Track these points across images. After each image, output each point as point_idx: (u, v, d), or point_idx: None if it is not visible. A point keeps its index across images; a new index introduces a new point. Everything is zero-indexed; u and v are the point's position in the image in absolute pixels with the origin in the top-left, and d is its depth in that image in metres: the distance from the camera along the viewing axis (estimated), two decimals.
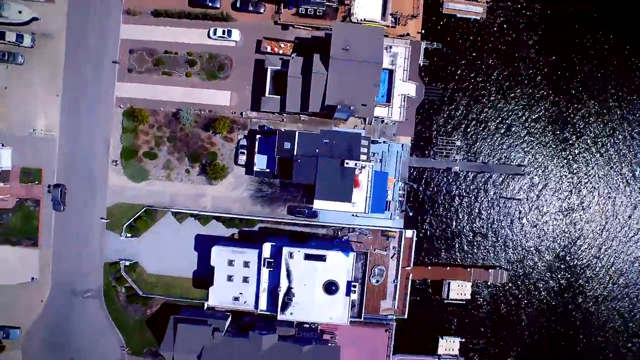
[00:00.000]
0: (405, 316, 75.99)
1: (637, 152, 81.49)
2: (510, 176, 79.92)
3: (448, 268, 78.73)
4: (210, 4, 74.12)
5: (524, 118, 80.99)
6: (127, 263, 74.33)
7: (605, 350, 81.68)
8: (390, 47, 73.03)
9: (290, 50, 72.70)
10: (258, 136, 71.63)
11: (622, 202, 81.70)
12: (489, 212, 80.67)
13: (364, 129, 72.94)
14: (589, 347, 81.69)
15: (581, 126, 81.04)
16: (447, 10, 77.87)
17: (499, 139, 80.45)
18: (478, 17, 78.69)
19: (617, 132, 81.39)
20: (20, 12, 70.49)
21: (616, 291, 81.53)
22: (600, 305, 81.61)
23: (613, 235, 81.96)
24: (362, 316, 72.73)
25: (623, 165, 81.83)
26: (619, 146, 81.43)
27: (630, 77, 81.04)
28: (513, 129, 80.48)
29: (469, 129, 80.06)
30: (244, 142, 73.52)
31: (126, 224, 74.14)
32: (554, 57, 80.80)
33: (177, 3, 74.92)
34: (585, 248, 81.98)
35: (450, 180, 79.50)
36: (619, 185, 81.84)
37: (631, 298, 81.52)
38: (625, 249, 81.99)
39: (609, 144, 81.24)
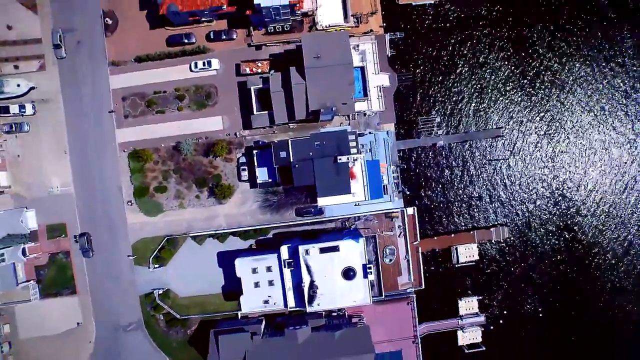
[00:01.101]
0: (423, 286, 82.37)
1: (598, 91, 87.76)
2: (491, 139, 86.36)
3: (453, 235, 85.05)
4: (186, 41, 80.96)
5: (492, 82, 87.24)
6: (160, 291, 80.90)
7: (614, 270, 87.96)
8: (358, 45, 79.64)
9: (268, 68, 79.23)
10: (255, 151, 78.18)
11: (596, 139, 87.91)
12: (479, 176, 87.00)
13: (349, 124, 79.62)
14: (596, 271, 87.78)
15: (545, 78, 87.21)
16: (402, 1, 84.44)
17: (474, 107, 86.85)
18: (432, 1, 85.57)
19: (578, 77, 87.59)
20: (18, 85, 77.59)
21: (610, 221, 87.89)
22: (598, 235, 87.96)
23: (597, 170, 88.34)
24: (383, 294, 79.45)
25: (590, 106, 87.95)
26: (582, 90, 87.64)
27: (581, 26, 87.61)
28: (485, 95, 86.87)
29: (445, 104, 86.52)
30: (243, 159, 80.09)
31: (152, 256, 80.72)
32: (509, 20, 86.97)
33: (156, 46, 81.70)
34: (575, 187, 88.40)
35: (438, 154, 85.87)
36: (590, 124, 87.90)
37: (624, 224, 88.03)
38: (609, 181, 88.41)
39: (573, 90, 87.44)
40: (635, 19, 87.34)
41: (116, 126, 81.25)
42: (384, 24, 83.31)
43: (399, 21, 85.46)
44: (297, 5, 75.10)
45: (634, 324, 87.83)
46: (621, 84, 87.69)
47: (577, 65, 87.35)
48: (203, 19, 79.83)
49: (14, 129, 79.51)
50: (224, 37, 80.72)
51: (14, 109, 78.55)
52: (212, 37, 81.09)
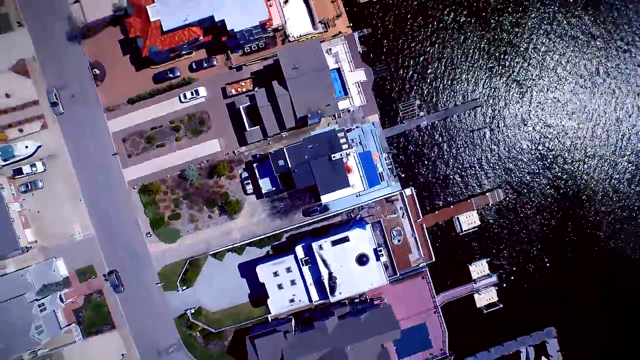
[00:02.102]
0: (434, 259, 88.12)
1: (557, 47, 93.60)
2: (470, 111, 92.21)
3: (452, 206, 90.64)
4: (171, 75, 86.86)
5: (461, 57, 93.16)
6: (192, 311, 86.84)
7: (606, 206, 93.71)
8: (330, 49, 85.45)
9: (252, 86, 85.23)
10: (255, 165, 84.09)
11: (565, 90, 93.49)
12: (465, 147, 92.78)
13: (336, 123, 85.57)
14: (591, 211, 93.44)
15: (509, 43, 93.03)
16: (363, 0, 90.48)
17: (449, 83, 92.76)
18: None
19: (538, 35, 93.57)
20: (26, 146, 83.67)
21: (593, 163, 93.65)
22: (586, 178, 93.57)
23: (572, 121, 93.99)
24: (398, 273, 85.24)
25: (555, 62, 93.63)
26: (544, 46, 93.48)
27: None
28: (456, 70, 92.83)
29: (421, 86, 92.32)
30: (245, 174, 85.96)
31: (178, 280, 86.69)
32: (461, 3, 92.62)
33: (144, 85, 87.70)
34: (554, 139, 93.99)
35: (424, 134, 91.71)
36: (557, 80, 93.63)
37: (607, 163, 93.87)
38: (585, 127, 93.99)
39: (536, 49, 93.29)
40: None
41: (122, 166, 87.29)
42: (351, 24, 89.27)
43: (363, 18, 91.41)
44: (267, 23, 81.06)
45: (631, 255, 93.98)
46: (580, 34, 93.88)
47: (536, 22, 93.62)
48: (183, 53, 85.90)
49: (29, 187, 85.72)
50: (206, 65, 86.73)
51: (26, 169, 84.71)
52: (194, 67, 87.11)
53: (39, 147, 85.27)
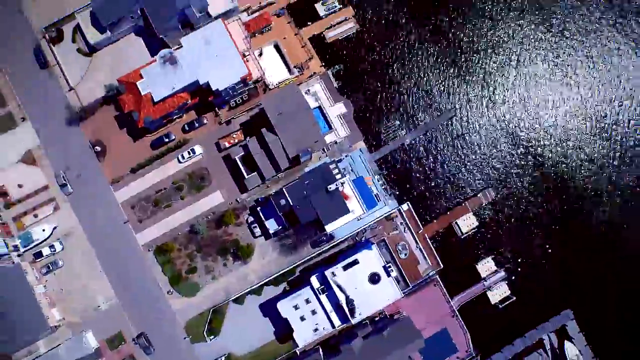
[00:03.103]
0: (442, 266, 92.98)
1: (524, 42, 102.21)
2: (447, 121, 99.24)
3: (448, 213, 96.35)
4: (167, 140, 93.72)
5: (429, 72, 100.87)
6: (223, 358, 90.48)
7: (592, 184, 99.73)
8: (309, 89, 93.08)
9: (243, 136, 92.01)
10: (258, 208, 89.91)
11: (532, 89, 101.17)
12: (450, 155, 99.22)
13: (326, 156, 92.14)
14: (578, 191, 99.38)
15: (468, 52, 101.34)
16: (330, 40, 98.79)
17: (423, 100, 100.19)
18: (354, 30, 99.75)
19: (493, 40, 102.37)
20: (43, 230, 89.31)
21: (570, 148, 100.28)
22: (566, 162, 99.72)
23: (544, 111, 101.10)
24: (410, 285, 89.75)
25: (514, 63, 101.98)
26: (505, 47, 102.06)
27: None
28: (426, 86, 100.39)
29: (398, 107, 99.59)
30: (251, 219, 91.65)
31: (205, 331, 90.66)
32: (422, 18, 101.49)
33: (143, 153, 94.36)
34: (529, 130, 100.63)
35: (409, 151, 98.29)
36: (522, 79, 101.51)
37: (582, 145, 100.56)
38: (556, 116, 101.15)
39: (495, 51, 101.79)
40: None
41: (135, 232, 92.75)
42: (323, 64, 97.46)
43: (333, 56, 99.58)
44: (247, 77, 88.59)
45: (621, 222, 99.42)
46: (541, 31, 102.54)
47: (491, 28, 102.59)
48: (175, 117, 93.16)
49: (50, 268, 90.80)
50: (197, 124, 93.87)
51: (45, 251, 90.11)
52: (187, 128, 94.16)
53: (54, 228, 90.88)
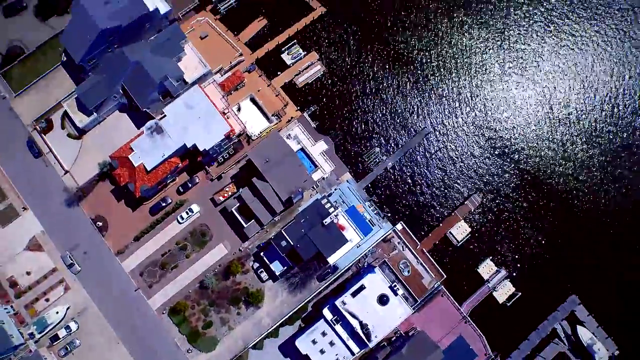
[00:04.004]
0: (445, 276, 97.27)
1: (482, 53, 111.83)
2: (423, 140, 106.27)
3: (441, 224, 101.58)
4: (164, 204, 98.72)
5: (397, 96, 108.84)
6: None
7: (570, 175, 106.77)
8: (289, 134, 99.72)
9: (236, 188, 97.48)
10: (262, 253, 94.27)
11: (498, 96, 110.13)
12: (432, 169, 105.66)
13: (317, 193, 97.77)
14: (560, 181, 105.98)
15: (429, 71, 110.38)
16: (301, 85, 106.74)
17: (396, 123, 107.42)
18: (321, 72, 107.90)
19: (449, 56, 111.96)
20: (57, 312, 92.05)
21: (541, 144, 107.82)
22: (541, 157, 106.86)
23: (510, 113, 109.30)
24: (418, 300, 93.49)
25: (474, 74, 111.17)
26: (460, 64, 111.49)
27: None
28: (397, 110, 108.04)
29: (376, 134, 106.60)
30: (256, 264, 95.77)
31: None
32: (380, 47, 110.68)
33: (143, 221, 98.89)
34: (500, 132, 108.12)
35: (393, 173, 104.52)
36: (485, 86, 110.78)
37: (553, 139, 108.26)
38: (521, 117, 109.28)
39: (453, 66, 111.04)
40: None
41: (146, 298, 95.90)
42: (298, 107, 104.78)
43: (307, 98, 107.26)
44: (230, 133, 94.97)
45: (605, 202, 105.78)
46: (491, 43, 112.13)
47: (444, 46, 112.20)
48: (169, 181, 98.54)
49: (68, 349, 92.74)
50: (190, 185, 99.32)
51: (62, 333, 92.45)
52: (181, 190, 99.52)
53: (67, 308, 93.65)
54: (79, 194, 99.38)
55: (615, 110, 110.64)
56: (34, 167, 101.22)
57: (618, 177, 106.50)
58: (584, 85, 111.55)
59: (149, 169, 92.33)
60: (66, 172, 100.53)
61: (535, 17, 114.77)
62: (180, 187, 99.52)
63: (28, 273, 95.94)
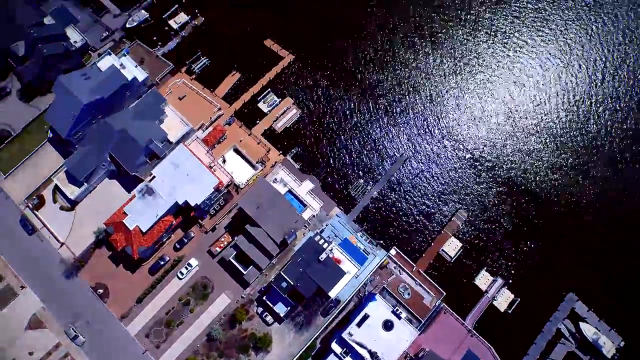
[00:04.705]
0: (444, 293, 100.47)
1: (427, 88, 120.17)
2: (403, 166, 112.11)
3: (433, 243, 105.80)
4: (162, 263, 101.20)
5: (370, 128, 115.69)
6: None
7: (543, 178, 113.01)
8: (275, 178, 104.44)
9: (231, 237, 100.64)
10: (264, 297, 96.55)
11: (462, 117, 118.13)
12: (416, 192, 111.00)
13: (309, 231, 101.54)
14: (538, 186, 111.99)
15: (395, 98, 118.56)
16: (280, 129, 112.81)
17: (375, 153, 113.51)
18: (297, 115, 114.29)
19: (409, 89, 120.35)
20: None
21: (512, 153, 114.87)
22: (509, 164, 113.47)
23: (480, 130, 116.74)
24: (422, 320, 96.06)
25: (436, 97, 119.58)
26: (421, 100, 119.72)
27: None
28: (373, 140, 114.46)
29: (356, 167, 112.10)
30: (260, 309, 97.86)
31: None
32: (348, 83, 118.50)
33: (143, 282, 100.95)
34: (473, 147, 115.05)
35: (380, 202, 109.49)
36: (449, 106, 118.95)
37: (521, 147, 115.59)
38: (492, 133, 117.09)
39: (418, 90, 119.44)
40: None
41: (155, 358, 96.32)
42: (280, 152, 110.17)
43: (288, 142, 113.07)
44: (219, 185, 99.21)
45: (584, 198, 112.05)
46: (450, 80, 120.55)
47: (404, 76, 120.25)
48: (165, 240, 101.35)
49: None
50: (186, 240, 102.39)
51: None
52: (178, 246, 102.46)
53: None
54: (77, 264, 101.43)
55: (577, 115, 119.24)
56: (29, 245, 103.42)
57: (591, 175, 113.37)
58: (546, 98, 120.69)
59: (144, 230, 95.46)
60: (62, 244, 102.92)
61: (491, 43, 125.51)
62: (176, 244, 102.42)
63: (31, 353, 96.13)
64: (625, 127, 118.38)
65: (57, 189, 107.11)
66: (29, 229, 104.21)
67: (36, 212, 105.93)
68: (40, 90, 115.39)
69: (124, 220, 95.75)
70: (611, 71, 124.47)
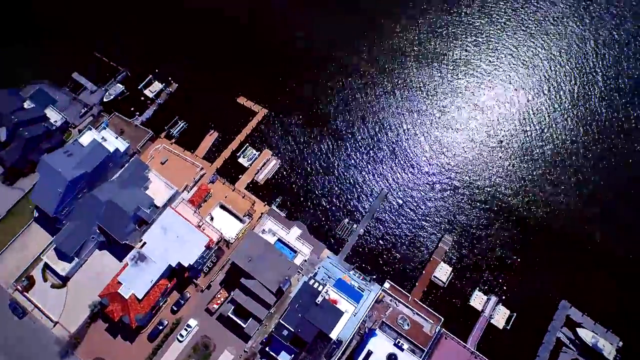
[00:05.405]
0: (443, 319, 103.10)
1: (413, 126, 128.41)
2: (384, 201, 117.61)
3: (424, 271, 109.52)
4: (161, 327, 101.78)
5: (348, 167, 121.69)
6: None
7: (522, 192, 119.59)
8: (263, 229, 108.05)
9: (227, 292, 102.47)
10: (267, 348, 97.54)
11: (429, 149, 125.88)
12: (401, 224, 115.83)
13: (303, 276, 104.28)
14: (517, 202, 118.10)
15: (368, 137, 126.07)
16: (262, 181, 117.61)
17: (355, 192, 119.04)
18: (277, 165, 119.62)
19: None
20: None
21: (485, 173, 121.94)
22: (486, 183, 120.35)
23: (455, 158, 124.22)
24: (425, 349, 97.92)
25: (403, 131, 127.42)
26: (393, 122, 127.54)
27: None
28: (352, 180, 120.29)
29: (339, 207, 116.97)
30: None
31: None
32: (321, 128, 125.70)
33: (144, 350, 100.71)
34: (447, 173, 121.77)
35: (367, 238, 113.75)
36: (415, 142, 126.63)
37: (489, 168, 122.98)
38: (466, 158, 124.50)
39: (386, 126, 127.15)
40: None
41: None
42: (265, 202, 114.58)
43: (271, 192, 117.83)
44: (210, 243, 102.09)
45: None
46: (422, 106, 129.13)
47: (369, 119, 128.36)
48: (161, 304, 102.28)
49: None
50: (183, 302, 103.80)
51: None
52: (175, 308, 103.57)
53: None
54: (73, 341, 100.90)
55: (541, 133, 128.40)
56: (21, 329, 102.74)
57: (560, 186, 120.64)
58: (510, 118, 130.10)
59: (140, 297, 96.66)
60: (55, 323, 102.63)
61: (453, 75, 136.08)
62: (173, 306, 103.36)
63: None
64: (589, 140, 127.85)
65: (47, 267, 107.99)
66: (19, 312, 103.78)
67: (26, 293, 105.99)
68: (23, 172, 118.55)
69: (119, 290, 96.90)
70: (578, 91, 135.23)
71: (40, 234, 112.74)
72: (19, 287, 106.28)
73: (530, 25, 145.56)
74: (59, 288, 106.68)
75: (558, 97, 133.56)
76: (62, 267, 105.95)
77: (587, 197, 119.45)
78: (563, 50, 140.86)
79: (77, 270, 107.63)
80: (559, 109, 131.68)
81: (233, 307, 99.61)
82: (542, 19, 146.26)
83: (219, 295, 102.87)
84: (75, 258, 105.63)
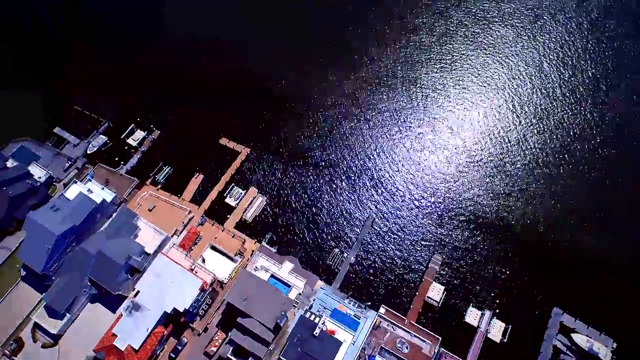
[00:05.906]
0: (440, 339, 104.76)
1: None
2: (371, 227, 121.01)
3: (417, 292, 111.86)
4: None
5: (332, 197, 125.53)
6: None
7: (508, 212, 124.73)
8: (256, 267, 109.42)
9: (224, 334, 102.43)
10: None
11: (412, 175, 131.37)
12: (390, 249, 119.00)
13: (298, 309, 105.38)
14: (505, 217, 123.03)
15: (348, 165, 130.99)
16: (250, 219, 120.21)
17: (342, 221, 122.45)
18: (264, 202, 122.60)
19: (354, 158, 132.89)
20: None
21: (467, 191, 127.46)
22: (467, 203, 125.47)
23: (437, 179, 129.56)
24: None
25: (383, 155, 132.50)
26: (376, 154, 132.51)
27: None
28: (338, 209, 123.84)
29: (331, 237, 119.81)
30: None
31: None
32: (302, 162, 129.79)
33: None
34: (431, 195, 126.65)
35: (359, 265, 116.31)
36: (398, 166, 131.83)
37: (469, 186, 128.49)
38: (445, 179, 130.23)
39: (371, 156, 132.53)
40: None
41: None
42: (255, 240, 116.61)
43: (261, 229, 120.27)
44: (203, 286, 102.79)
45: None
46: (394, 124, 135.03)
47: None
48: (158, 352, 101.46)
49: None
50: (181, 347, 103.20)
51: None
52: (173, 355, 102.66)
53: None
54: None
55: (514, 147, 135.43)
56: None
57: (538, 197, 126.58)
58: (482, 137, 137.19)
59: (137, 348, 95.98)
60: None
61: (428, 100, 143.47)
62: (171, 353, 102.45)
63: None
64: (560, 151, 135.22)
65: (36, 326, 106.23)
66: None
67: (15, 358, 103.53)
68: (9, 230, 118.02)
69: (114, 343, 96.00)
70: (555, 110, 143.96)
71: (28, 292, 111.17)
72: (6, 351, 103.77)
73: (489, 48, 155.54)
74: (50, 347, 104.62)
75: (523, 112, 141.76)
76: (54, 325, 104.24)
77: (566, 206, 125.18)
78: (522, 69, 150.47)
79: (69, 327, 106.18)
80: (525, 124, 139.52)
81: (232, 348, 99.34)
82: (499, 42, 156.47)
83: (216, 337, 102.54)
84: (67, 314, 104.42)
